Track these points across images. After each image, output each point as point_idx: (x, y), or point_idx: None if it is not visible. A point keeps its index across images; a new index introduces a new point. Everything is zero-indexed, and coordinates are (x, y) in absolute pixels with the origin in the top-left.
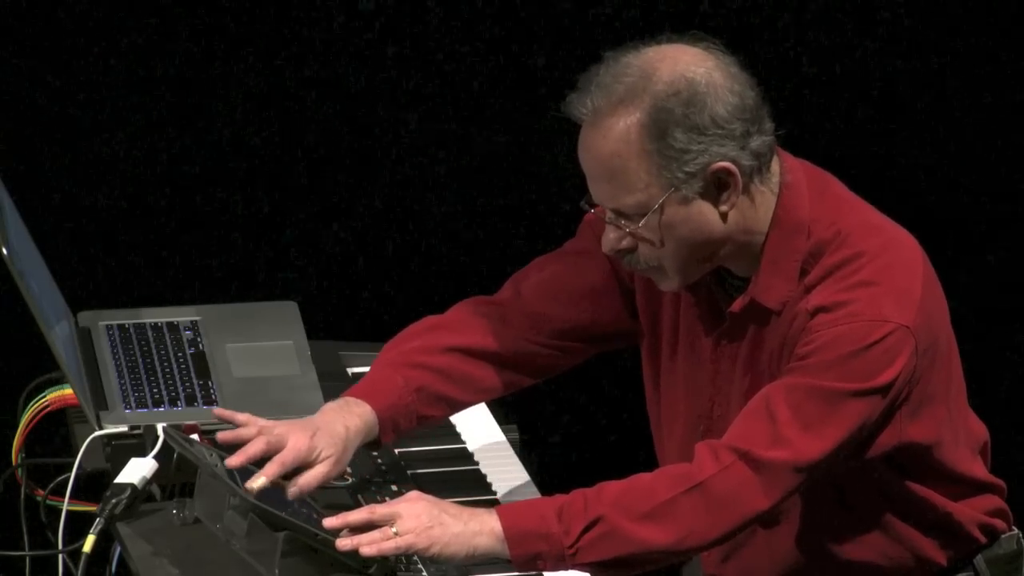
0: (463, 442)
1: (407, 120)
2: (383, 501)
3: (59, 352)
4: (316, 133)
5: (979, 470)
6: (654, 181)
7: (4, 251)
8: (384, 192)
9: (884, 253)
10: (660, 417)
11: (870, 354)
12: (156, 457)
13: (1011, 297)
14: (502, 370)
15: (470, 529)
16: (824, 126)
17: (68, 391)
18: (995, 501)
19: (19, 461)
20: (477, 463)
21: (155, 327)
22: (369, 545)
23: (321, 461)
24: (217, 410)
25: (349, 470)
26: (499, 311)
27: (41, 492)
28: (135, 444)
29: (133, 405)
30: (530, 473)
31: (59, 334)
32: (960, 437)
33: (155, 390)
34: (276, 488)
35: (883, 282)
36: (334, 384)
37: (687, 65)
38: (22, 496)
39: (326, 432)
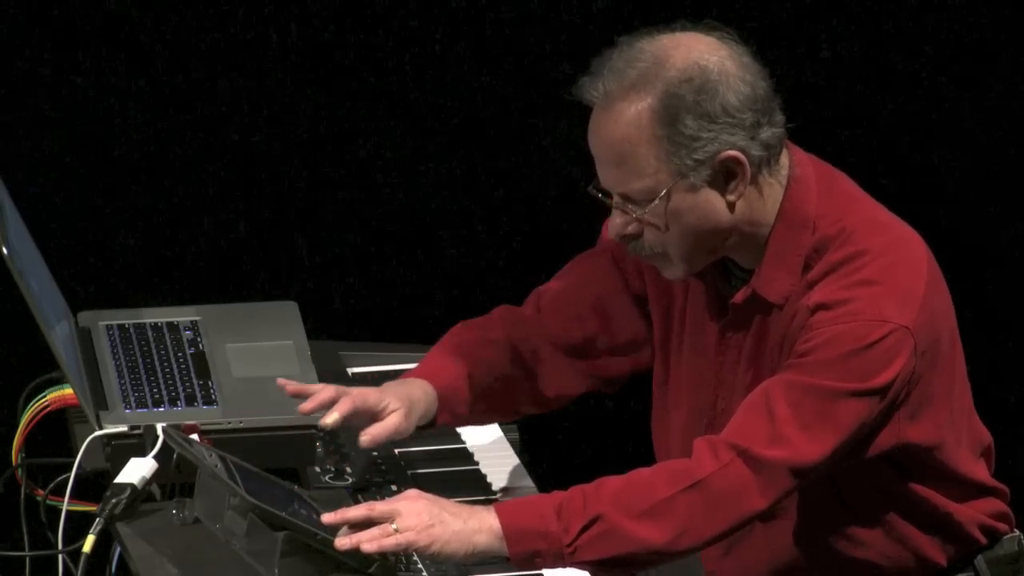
0: (463, 442)
1: (408, 120)
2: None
3: (59, 352)
4: (316, 133)
5: (981, 473)
6: (663, 167)
7: (4, 251)
8: (384, 192)
9: (888, 252)
10: (664, 409)
11: (869, 354)
12: (156, 457)
13: (1014, 301)
14: (536, 388)
15: (469, 527)
16: (839, 122)
17: (68, 391)
18: (997, 504)
19: (19, 461)
20: (477, 463)
21: (155, 327)
22: (370, 542)
23: (390, 413)
24: (286, 383)
25: (349, 470)
26: (526, 329)
27: (41, 492)
28: (135, 444)
29: (133, 405)
30: (530, 473)
31: (59, 334)
32: (963, 439)
33: (155, 390)
34: (276, 488)
35: (885, 281)
36: (334, 384)
37: (700, 53)
38: (22, 496)
39: (392, 391)
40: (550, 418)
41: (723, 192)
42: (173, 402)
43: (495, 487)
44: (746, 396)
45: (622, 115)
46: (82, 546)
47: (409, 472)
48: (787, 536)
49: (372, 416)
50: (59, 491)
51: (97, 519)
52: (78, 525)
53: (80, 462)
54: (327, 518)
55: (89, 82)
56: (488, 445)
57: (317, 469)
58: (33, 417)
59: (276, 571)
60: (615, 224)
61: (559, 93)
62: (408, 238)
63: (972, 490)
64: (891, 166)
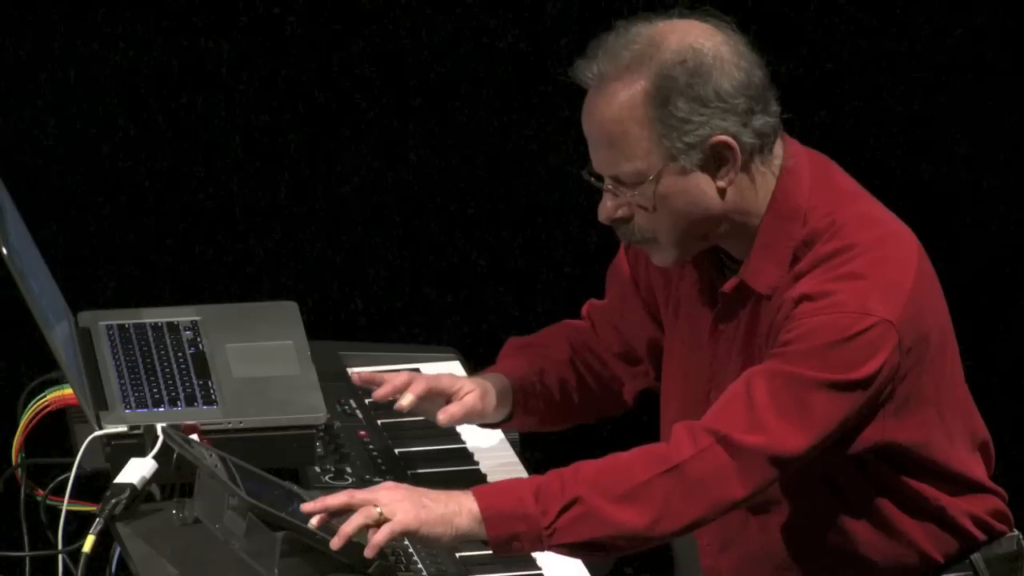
0: (463, 442)
1: (408, 120)
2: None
3: (59, 352)
4: (316, 133)
5: (978, 472)
6: (653, 149)
7: (4, 251)
8: (384, 192)
9: (877, 247)
10: (664, 403)
11: (850, 346)
12: (156, 457)
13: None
14: (598, 384)
15: (450, 510)
16: (839, 116)
17: (68, 391)
18: (994, 502)
19: (19, 461)
20: (477, 463)
21: (155, 327)
22: (368, 547)
23: (466, 394)
24: (357, 372)
25: (349, 470)
26: (584, 336)
27: (41, 492)
28: (135, 444)
29: (133, 405)
30: (530, 473)
31: (59, 334)
32: (957, 437)
33: (155, 390)
34: (276, 488)
35: (872, 276)
36: (334, 384)
37: (696, 37)
38: (22, 496)
39: (467, 378)
40: None
41: (713, 177)
42: (173, 402)
43: None
44: None
45: (615, 96)
46: (82, 546)
47: (409, 472)
48: (782, 530)
49: (446, 398)
50: (59, 491)
51: (97, 519)
52: (78, 525)
53: (80, 462)
54: (307, 507)
55: (89, 82)
56: (488, 445)
57: (317, 469)
58: (33, 417)
59: (276, 571)
60: (605, 207)
61: (559, 91)
62: (408, 238)
63: (967, 487)
64: (892, 164)
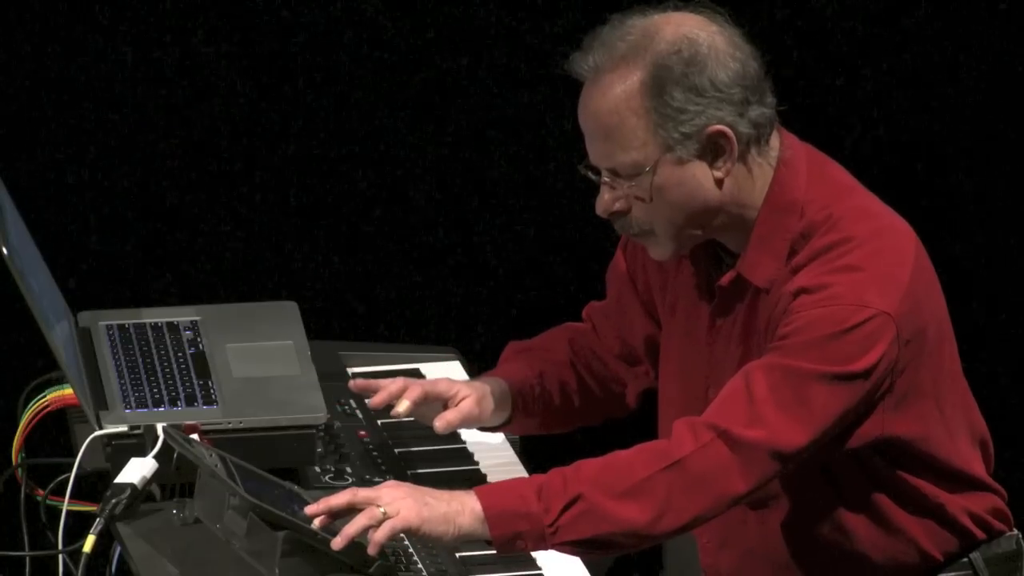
0: (463, 442)
1: (409, 120)
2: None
3: (59, 352)
4: (316, 133)
5: (977, 468)
6: (650, 139)
7: (4, 251)
8: (384, 192)
9: (874, 239)
10: (663, 400)
11: (848, 338)
12: (156, 457)
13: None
14: (600, 385)
15: (453, 509)
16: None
17: (68, 391)
18: (993, 500)
19: (19, 461)
20: (477, 463)
21: (155, 327)
22: (370, 545)
23: (462, 399)
24: (354, 383)
25: (349, 470)
26: (586, 339)
27: (41, 492)
28: (135, 444)
29: (133, 405)
30: (530, 473)
31: (59, 334)
32: (955, 432)
33: (155, 390)
34: (276, 488)
35: (868, 268)
36: (334, 384)
37: (691, 28)
38: (22, 496)
39: (464, 382)
40: None
41: (710, 168)
42: (173, 402)
43: None
44: None
45: (611, 87)
46: (82, 546)
47: (409, 472)
48: (781, 527)
49: (443, 404)
50: (59, 491)
51: (97, 519)
52: (78, 525)
53: (80, 462)
54: (311, 509)
55: (89, 82)
56: (488, 445)
57: (317, 469)
58: (33, 417)
59: (276, 571)
60: (603, 200)
61: (559, 90)
62: (409, 238)
63: (966, 484)
64: (894, 161)
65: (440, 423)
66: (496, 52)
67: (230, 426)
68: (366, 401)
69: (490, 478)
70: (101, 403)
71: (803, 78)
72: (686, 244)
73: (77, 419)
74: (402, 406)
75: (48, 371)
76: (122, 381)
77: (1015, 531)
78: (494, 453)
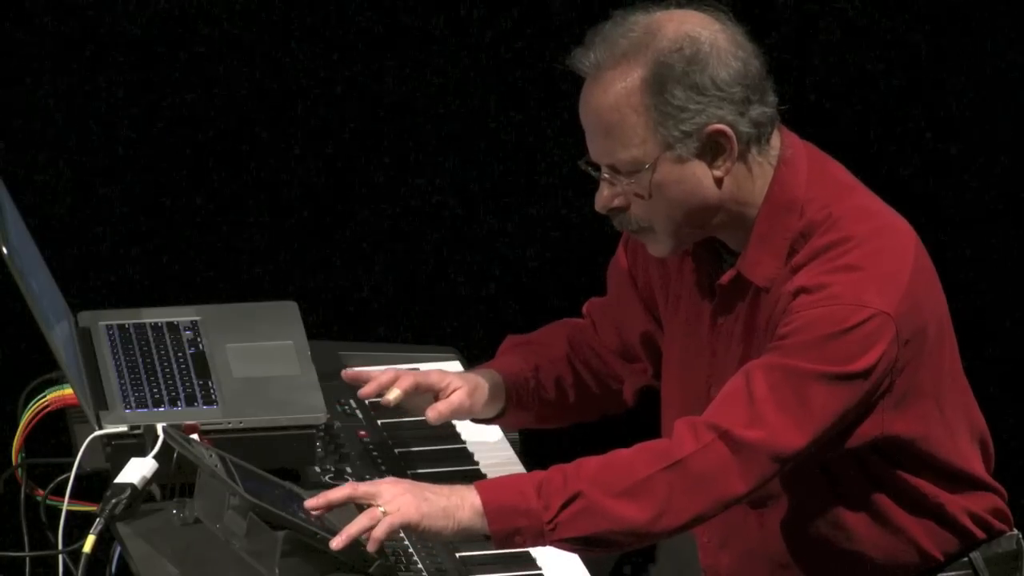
0: (463, 442)
1: (408, 119)
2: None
3: (59, 352)
4: (316, 133)
5: (977, 468)
6: (650, 137)
7: (4, 251)
8: (384, 191)
9: (873, 239)
10: (662, 398)
11: (848, 338)
12: (156, 457)
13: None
14: (596, 381)
15: (452, 504)
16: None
17: (68, 391)
18: (993, 500)
19: (19, 461)
20: (477, 463)
21: (155, 327)
22: (369, 535)
23: (454, 391)
24: (346, 372)
25: (349, 470)
26: (584, 335)
27: (41, 492)
28: (135, 444)
29: (133, 405)
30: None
31: (59, 334)
32: (955, 431)
33: (155, 390)
34: (276, 488)
35: (868, 268)
36: (334, 384)
37: (693, 26)
38: (22, 496)
39: (457, 374)
40: None
41: (710, 166)
42: (173, 402)
43: None
44: None
45: (612, 84)
46: (82, 546)
47: (409, 472)
48: (780, 526)
49: (434, 395)
50: (59, 491)
51: (97, 519)
52: (78, 525)
53: (80, 462)
54: (310, 503)
55: (89, 82)
56: (488, 445)
57: (317, 469)
58: (33, 417)
59: (276, 571)
60: (602, 197)
61: (559, 90)
62: (409, 238)
63: (965, 483)
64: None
65: (432, 414)
66: (496, 51)
67: (230, 426)
68: (358, 393)
69: (490, 477)
70: (101, 403)
71: (803, 76)
72: (685, 241)
73: (77, 419)
74: (392, 394)
75: (48, 371)
76: (122, 381)
77: (1015, 531)
78: (493, 452)
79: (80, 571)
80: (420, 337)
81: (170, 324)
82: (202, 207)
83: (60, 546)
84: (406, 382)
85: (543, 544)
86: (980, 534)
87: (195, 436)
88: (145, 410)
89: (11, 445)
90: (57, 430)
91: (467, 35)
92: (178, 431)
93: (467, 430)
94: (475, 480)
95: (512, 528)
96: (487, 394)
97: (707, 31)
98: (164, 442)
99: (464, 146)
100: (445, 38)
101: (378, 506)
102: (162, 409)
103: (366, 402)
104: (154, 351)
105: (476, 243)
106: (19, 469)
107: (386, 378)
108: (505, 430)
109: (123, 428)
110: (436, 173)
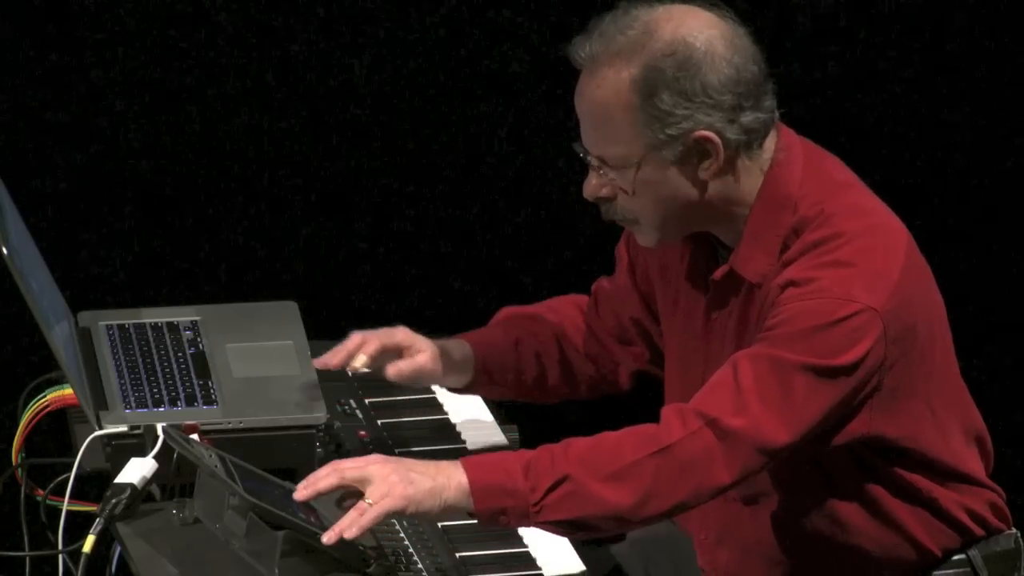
0: (463, 441)
1: (408, 120)
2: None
3: (59, 352)
4: (316, 132)
5: (972, 467)
6: (636, 137)
7: (4, 251)
8: (385, 191)
9: (864, 236)
10: (665, 391)
11: (834, 331)
12: (156, 457)
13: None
14: (587, 360)
15: (439, 484)
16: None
17: (68, 391)
18: (990, 497)
19: (19, 461)
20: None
21: (155, 327)
22: (351, 527)
23: (418, 353)
24: (316, 361)
25: None
26: (586, 316)
27: (41, 492)
28: (135, 444)
29: (133, 405)
30: None
31: (59, 334)
32: (948, 432)
33: (155, 390)
34: (276, 488)
35: (858, 264)
36: (334, 384)
37: (691, 29)
38: (22, 496)
39: (424, 338)
40: (551, 418)
41: (695, 170)
42: (173, 402)
43: None
44: None
45: (604, 80)
46: (82, 546)
47: None
48: (777, 522)
49: (399, 354)
50: (59, 491)
51: (97, 519)
52: (78, 525)
53: (80, 462)
54: (300, 495)
55: (89, 82)
56: (489, 445)
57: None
58: (33, 417)
59: (276, 571)
60: (590, 185)
61: (559, 89)
62: (409, 238)
63: (960, 480)
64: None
65: (392, 370)
66: (495, 50)
67: (230, 426)
68: (367, 392)
69: (477, 455)
70: (101, 403)
71: (804, 76)
72: (672, 235)
73: (77, 419)
74: (358, 361)
75: (48, 371)
76: (122, 381)
77: (1014, 530)
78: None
79: (80, 571)
80: None
81: (170, 324)
82: (202, 207)
83: (60, 546)
84: (371, 346)
85: (527, 525)
86: (977, 530)
87: (195, 436)
88: (145, 410)
89: (11, 445)
90: (57, 430)
91: (467, 34)
92: (178, 431)
93: (467, 431)
94: None
95: (498, 508)
96: (452, 364)
97: (704, 34)
98: (164, 442)
99: (464, 146)
100: (445, 38)
101: (365, 499)
102: (162, 409)
103: (366, 402)
104: (154, 351)
105: (477, 244)
106: (19, 469)
107: (352, 344)
108: (506, 430)
109: (123, 428)
110: (436, 173)
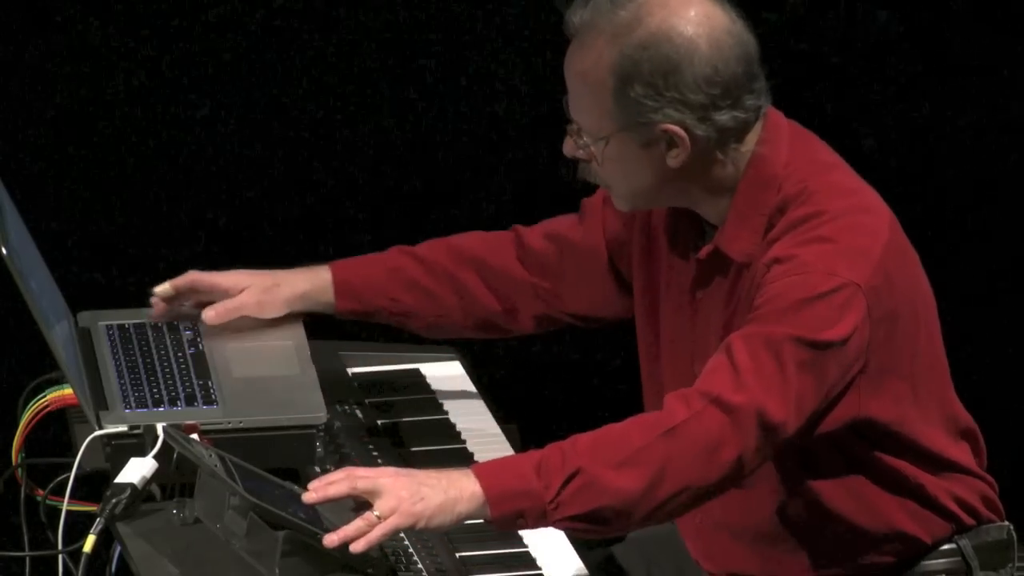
0: (463, 442)
1: (407, 120)
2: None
3: (59, 352)
4: (316, 133)
5: (958, 456)
6: (607, 115)
7: (4, 251)
8: (385, 191)
9: (847, 215)
10: (649, 381)
11: (819, 305)
12: (156, 457)
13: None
14: (485, 285)
15: (451, 497)
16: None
17: (68, 391)
18: (980, 487)
19: (19, 461)
20: (477, 463)
21: (155, 327)
22: (356, 534)
23: (241, 291)
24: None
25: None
26: (507, 238)
27: (41, 492)
28: (135, 444)
29: (133, 405)
30: None
31: (59, 334)
32: (932, 417)
33: (155, 390)
34: (276, 488)
35: (840, 240)
36: (334, 384)
37: (679, 21)
38: (22, 496)
39: (258, 275)
40: (551, 417)
41: (663, 156)
42: (173, 402)
43: None
44: None
45: (587, 55)
46: (82, 546)
47: None
48: (764, 507)
49: (222, 296)
50: (59, 491)
51: (97, 519)
52: (78, 525)
53: (80, 462)
54: (308, 497)
55: (89, 82)
56: (489, 444)
57: (317, 469)
58: (33, 417)
59: (276, 571)
60: (567, 144)
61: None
62: (409, 237)
63: (946, 467)
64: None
65: (210, 313)
66: (494, 49)
67: (230, 426)
68: (368, 393)
69: (485, 461)
70: (101, 403)
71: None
72: (643, 206)
73: (77, 419)
74: (161, 288)
75: (48, 371)
76: (122, 381)
77: (1006, 522)
78: (495, 452)
79: (80, 571)
80: (420, 337)
81: (170, 324)
82: (202, 207)
83: (60, 546)
84: (181, 280)
85: (545, 525)
86: (967, 519)
87: (195, 436)
88: (145, 410)
89: (11, 445)
90: (57, 430)
91: (466, 34)
92: (178, 431)
93: (467, 431)
94: None
95: (515, 511)
96: (294, 295)
97: (691, 30)
98: (164, 442)
99: (464, 146)
100: (444, 36)
101: (373, 511)
102: (162, 409)
103: (366, 402)
104: (154, 351)
105: None
106: (19, 469)
107: (180, 281)
108: (506, 430)
109: (123, 428)
110: (436, 173)
